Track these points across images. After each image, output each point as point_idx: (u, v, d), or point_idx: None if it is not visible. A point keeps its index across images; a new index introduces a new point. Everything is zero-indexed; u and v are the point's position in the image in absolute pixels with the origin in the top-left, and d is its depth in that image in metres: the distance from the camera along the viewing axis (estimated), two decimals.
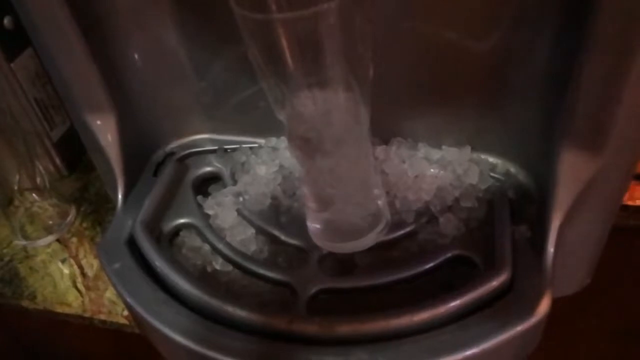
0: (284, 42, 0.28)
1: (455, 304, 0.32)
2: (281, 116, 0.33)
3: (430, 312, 0.32)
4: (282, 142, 0.45)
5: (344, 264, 0.38)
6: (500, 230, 0.36)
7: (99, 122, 0.41)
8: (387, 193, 0.39)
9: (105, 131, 0.41)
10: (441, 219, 0.38)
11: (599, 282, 0.39)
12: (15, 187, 0.51)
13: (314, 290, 0.35)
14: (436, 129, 0.41)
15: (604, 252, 0.38)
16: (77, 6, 0.36)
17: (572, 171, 0.33)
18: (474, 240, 0.37)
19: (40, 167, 0.52)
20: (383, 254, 0.38)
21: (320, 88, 0.31)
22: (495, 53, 0.36)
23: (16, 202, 0.53)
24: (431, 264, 0.36)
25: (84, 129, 0.41)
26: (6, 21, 0.48)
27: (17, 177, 0.51)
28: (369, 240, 0.36)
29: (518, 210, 0.38)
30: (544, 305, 0.32)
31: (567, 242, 0.35)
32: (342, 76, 0.30)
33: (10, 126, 0.50)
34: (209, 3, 0.39)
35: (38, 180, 0.52)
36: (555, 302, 0.32)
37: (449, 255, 0.36)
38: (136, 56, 0.42)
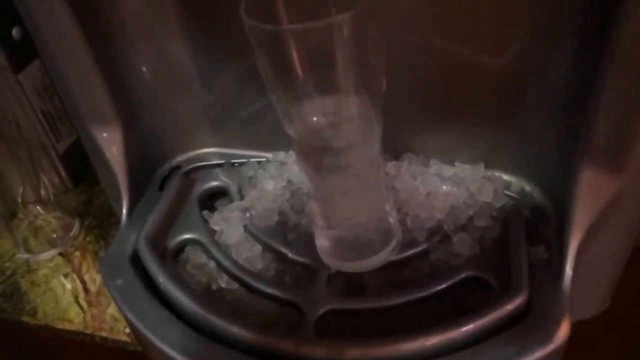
0: (295, 54, 0.27)
1: (469, 327, 0.31)
2: (290, 130, 0.32)
3: (443, 336, 0.31)
4: (291, 157, 0.44)
5: (353, 283, 0.36)
6: (516, 250, 0.34)
7: (104, 135, 0.40)
8: (398, 210, 0.38)
9: (110, 144, 0.40)
10: (454, 238, 0.36)
11: (619, 305, 0.38)
12: (19, 200, 0.51)
13: (322, 311, 0.34)
14: (449, 145, 0.40)
15: (624, 274, 0.37)
16: (85, 18, 0.36)
17: (591, 190, 0.32)
18: (489, 260, 0.35)
19: (45, 180, 0.52)
20: (394, 274, 0.36)
21: (331, 101, 0.30)
22: (510, 69, 0.35)
23: (20, 215, 0.52)
24: (444, 285, 0.34)
25: (90, 142, 0.41)
26: (14, 32, 0.48)
27: (21, 189, 0.50)
28: (380, 259, 0.35)
29: (534, 230, 0.37)
30: (563, 331, 0.30)
31: (585, 263, 0.33)
32: (353, 89, 0.30)
33: (16, 138, 0.49)
34: (217, 15, 0.38)
35: (42, 193, 0.51)
36: (573, 326, 0.31)
37: (462, 276, 0.35)
38: (143, 68, 0.42)
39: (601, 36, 0.29)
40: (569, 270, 0.32)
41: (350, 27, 0.26)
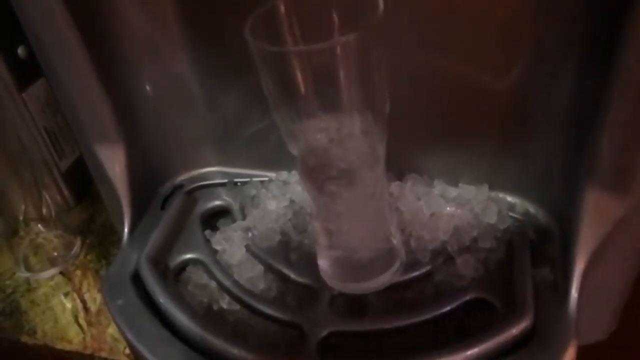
0: (299, 74, 0.27)
1: (473, 351, 0.30)
2: (293, 150, 0.32)
3: None
4: (294, 176, 0.44)
5: (356, 305, 0.36)
6: (521, 272, 0.34)
7: (107, 153, 0.40)
8: (402, 231, 0.38)
9: (113, 162, 0.40)
10: (458, 260, 0.36)
11: (626, 328, 0.37)
12: (21, 218, 0.51)
13: (324, 332, 0.34)
14: (453, 166, 0.40)
15: (630, 296, 0.36)
16: (90, 37, 0.36)
17: (597, 213, 0.32)
18: (493, 282, 0.35)
19: (47, 197, 0.51)
20: (397, 296, 0.36)
21: (334, 120, 0.30)
22: (514, 90, 0.35)
23: (21, 233, 0.52)
24: (448, 307, 0.34)
25: (92, 160, 0.41)
26: (20, 51, 0.48)
27: (23, 207, 0.50)
28: (383, 280, 0.35)
29: (538, 252, 0.36)
30: (569, 356, 0.30)
31: (591, 286, 0.33)
32: (357, 109, 0.30)
33: (19, 156, 0.49)
34: (222, 35, 0.39)
35: (44, 210, 0.51)
36: (579, 350, 0.31)
37: (467, 298, 0.34)
38: (147, 87, 0.42)
39: (606, 58, 0.29)
40: (574, 293, 0.32)
41: (355, 49, 0.27)
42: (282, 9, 0.29)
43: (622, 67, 0.28)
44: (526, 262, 0.35)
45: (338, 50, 0.26)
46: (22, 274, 0.51)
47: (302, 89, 0.28)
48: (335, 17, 0.29)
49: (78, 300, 0.49)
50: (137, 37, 0.39)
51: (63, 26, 0.35)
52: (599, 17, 0.30)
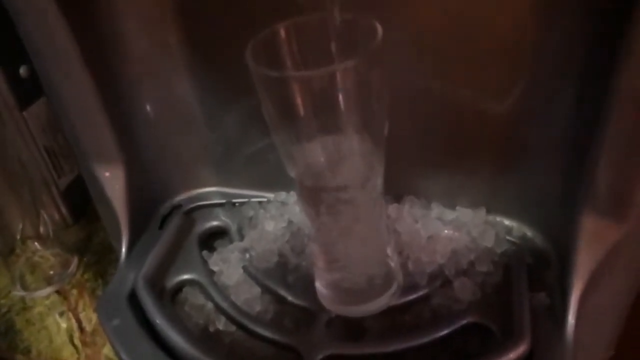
0: (299, 98, 0.28)
1: None
2: (292, 172, 0.32)
3: None
4: (292, 197, 0.44)
5: (353, 328, 0.36)
6: (518, 297, 0.34)
7: (106, 172, 0.40)
8: (400, 254, 0.38)
9: (112, 182, 0.40)
10: (456, 283, 0.36)
11: (624, 353, 0.37)
12: (18, 236, 0.51)
13: (321, 355, 0.33)
14: (450, 188, 0.40)
15: (627, 321, 0.36)
16: (92, 57, 0.36)
17: (593, 238, 0.32)
18: (491, 306, 0.35)
19: (45, 216, 0.51)
20: (394, 319, 0.36)
21: (333, 143, 0.30)
22: (511, 115, 0.35)
23: (18, 251, 0.52)
24: (445, 331, 0.34)
25: (92, 179, 0.41)
26: (22, 70, 0.48)
27: (21, 225, 0.50)
28: (381, 303, 0.35)
29: (535, 276, 0.36)
30: None
31: (588, 311, 0.33)
32: (356, 132, 0.30)
33: (18, 174, 0.49)
34: (222, 56, 0.39)
35: (42, 229, 0.51)
36: None
37: (464, 322, 0.34)
38: (148, 107, 0.42)
39: (603, 84, 0.29)
40: (571, 319, 0.32)
41: (354, 74, 0.27)
42: (283, 33, 0.30)
43: (618, 93, 0.28)
44: (523, 286, 0.35)
45: (337, 75, 0.27)
46: (18, 293, 0.51)
47: (302, 112, 0.28)
48: (335, 42, 0.30)
49: (73, 320, 0.48)
50: (138, 58, 0.40)
51: (65, 46, 0.35)
52: (596, 44, 0.30)
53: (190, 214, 0.45)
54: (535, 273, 0.37)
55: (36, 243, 0.52)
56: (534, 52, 0.33)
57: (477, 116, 0.36)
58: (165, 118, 0.43)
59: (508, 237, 0.39)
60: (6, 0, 0.34)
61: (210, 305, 0.38)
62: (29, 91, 0.50)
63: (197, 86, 0.42)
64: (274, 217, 0.43)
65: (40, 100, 0.51)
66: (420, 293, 0.36)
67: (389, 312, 0.35)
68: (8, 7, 0.34)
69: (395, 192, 0.41)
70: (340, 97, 0.28)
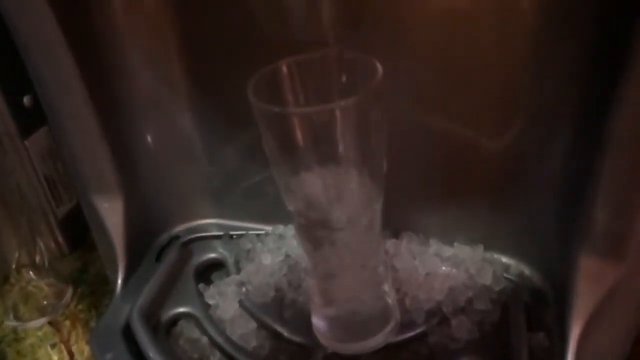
0: (299, 133, 0.28)
1: None
2: (290, 206, 0.32)
3: None
4: (290, 230, 0.44)
5: None
6: (516, 337, 0.34)
7: (105, 203, 0.40)
8: (397, 290, 0.38)
9: (111, 213, 0.40)
10: (454, 321, 0.36)
11: None
12: (13, 265, 0.50)
13: None
14: (448, 225, 0.40)
15: None
16: (95, 88, 0.37)
17: (591, 278, 0.32)
18: (488, 346, 0.35)
19: (42, 245, 0.51)
20: (391, 356, 0.35)
21: (332, 178, 0.30)
22: (509, 153, 0.36)
23: (12, 280, 0.51)
24: None
25: (90, 209, 0.41)
26: (25, 100, 0.49)
27: (17, 254, 0.50)
28: (378, 341, 0.34)
29: (534, 315, 0.36)
30: None
31: (588, 352, 0.32)
32: (355, 167, 0.30)
33: (17, 202, 0.49)
34: (224, 90, 0.39)
35: (37, 258, 0.51)
36: None
37: None
38: (149, 138, 0.42)
39: (600, 123, 0.29)
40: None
41: (354, 111, 0.27)
42: (285, 70, 0.30)
43: (613, 135, 0.29)
44: (521, 326, 0.35)
45: (337, 112, 0.27)
46: (10, 323, 0.50)
47: (301, 147, 0.29)
48: (335, 79, 0.30)
49: (65, 352, 0.47)
50: (141, 91, 0.40)
51: (70, 78, 0.35)
52: (591, 87, 0.31)
53: (188, 246, 0.45)
54: (534, 312, 0.36)
55: (31, 272, 0.51)
56: (531, 94, 0.33)
57: (475, 154, 0.36)
58: (165, 150, 0.43)
59: (506, 275, 0.39)
60: (15, 33, 0.34)
61: (205, 339, 0.38)
62: (31, 120, 0.50)
63: (198, 119, 0.42)
64: (271, 251, 0.43)
65: (42, 130, 0.52)
66: (418, 331, 0.36)
67: (386, 350, 0.35)
68: (16, 39, 0.34)
69: (393, 227, 0.41)
70: (340, 133, 0.28)
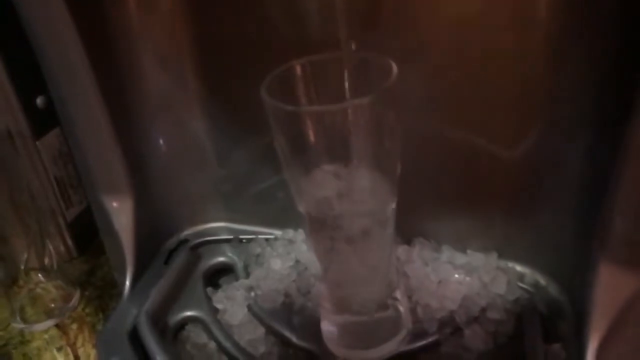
0: (312, 133, 0.28)
1: None
2: (302, 207, 0.32)
3: None
4: (299, 235, 0.43)
5: None
6: (532, 348, 0.33)
7: (115, 205, 0.40)
8: (409, 298, 0.37)
9: (120, 214, 0.40)
10: (467, 331, 0.35)
11: None
12: (22, 267, 0.50)
13: None
14: (461, 232, 0.40)
15: None
16: (109, 90, 0.37)
17: (610, 289, 0.31)
18: (503, 358, 0.34)
19: (51, 247, 0.51)
20: None
21: (345, 181, 0.30)
22: (525, 160, 0.35)
23: (20, 282, 0.51)
24: None
25: (100, 211, 0.41)
26: (39, 101, 0.49)
27: (26, 256, 0.50)
28: (388, 349, 0.33)
29: (550, 326, 0.35)
30: None
31: None
32: (368, 168, 0.30)
33: (26, 204, 0.49)
34: (236, 93, 0.39)
35: (46, 260, 0.50)
36: None
37: None
38: (160, 141, 0.42)
39: (617, 129, 0.29)
40: None
41: (368, 111, 0.27)
42: (299, 70, 0.30)
43: (632, 141, 0.28)
44: (537, 337, 0.34)
45: (351, 111, 0.26)
46: (17, 325, 0.50)
47: (314, 146, 0.28)
48: (350, 79, 0.30)
49: (72, 355, 0.47)
50: (154, 93, 0.40)
51: (84, 79, 0.36)
52: (610, 93, 0.30)
53: (197, 249, 0.45)
54: (550, 323, 0.35)
55: (39, 274, 0.51)
56: (548, 100, 0.33)
57: (491, 160, 0.36)
58: (176, 153, 0.43)
59: (520, 284, 0.38)
60: (30, 33, 0.34)
61: (212, 344, 0.37)
62: (44, 122, 0.50)
63: (209, 123, 0.42)
64: (280, 256, 0.42)
65: (54, 131, 0.52)
66: (430, 340, 0.35)
67: (397, 359, 0.34)
68: (32, 40, 0.35)
69: (405, 233, 0.40)
70: (353, 133, 0.27)
